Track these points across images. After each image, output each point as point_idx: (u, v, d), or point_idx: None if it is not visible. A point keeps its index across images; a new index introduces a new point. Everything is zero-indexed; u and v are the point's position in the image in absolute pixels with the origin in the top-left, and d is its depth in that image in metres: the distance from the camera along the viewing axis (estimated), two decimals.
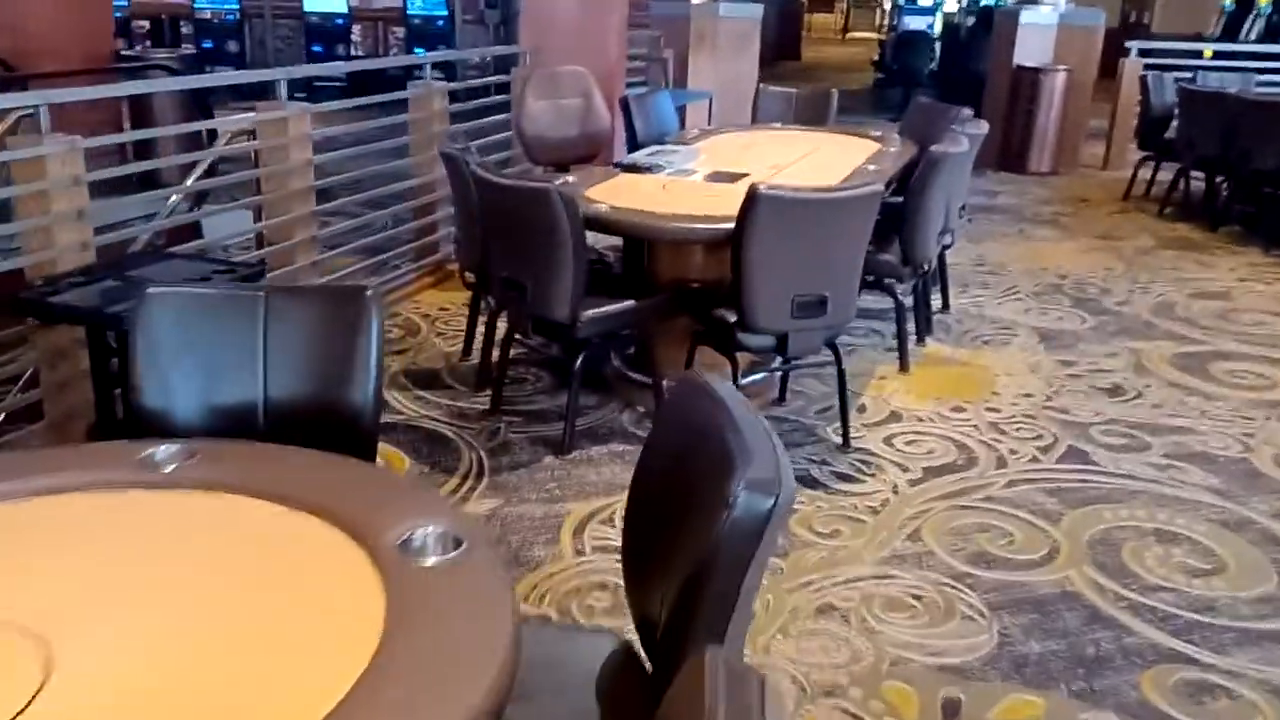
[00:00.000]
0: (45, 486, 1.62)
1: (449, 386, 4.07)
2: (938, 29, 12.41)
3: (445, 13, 12.90)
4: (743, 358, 3.61)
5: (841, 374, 3.63)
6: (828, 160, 4.66)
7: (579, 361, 3.52)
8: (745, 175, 4.26)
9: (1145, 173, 8.04)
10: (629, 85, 7.56)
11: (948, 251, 5.05)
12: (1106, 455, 3.64)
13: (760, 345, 3.48)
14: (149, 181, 5.01)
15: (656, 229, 3.53)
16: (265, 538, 1.54)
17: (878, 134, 5.40)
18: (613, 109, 5.55)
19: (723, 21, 8.69)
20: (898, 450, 3.64)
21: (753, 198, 3.18)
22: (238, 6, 12.31)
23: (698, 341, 3.72)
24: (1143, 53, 9.27)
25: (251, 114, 4.23)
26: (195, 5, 12.20)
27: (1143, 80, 8.12)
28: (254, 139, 4.35)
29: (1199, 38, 13.92)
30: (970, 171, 4.88)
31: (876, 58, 15.19)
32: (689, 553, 1.45)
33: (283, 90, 4.21)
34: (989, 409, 4.01)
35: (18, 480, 1.63)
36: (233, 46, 12.24)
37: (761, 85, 6.06)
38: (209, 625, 1.32)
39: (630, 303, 3.54)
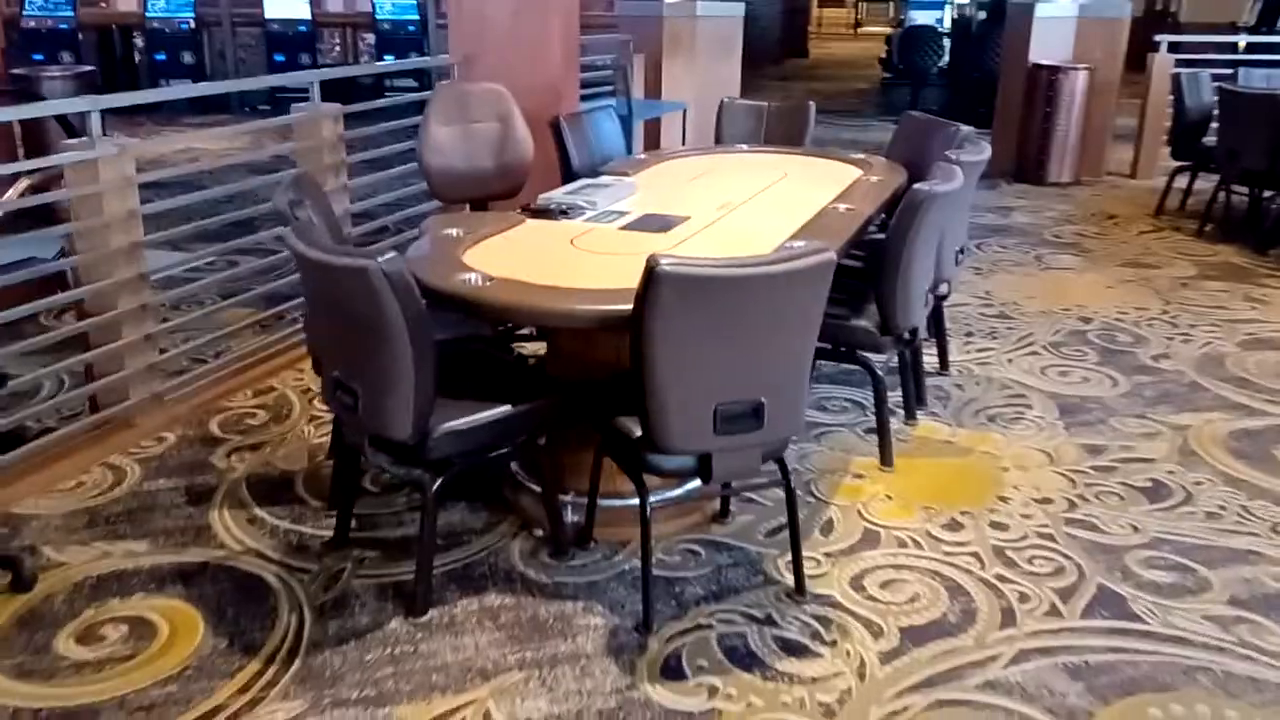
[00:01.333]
0: None
1: (299, 500, 3.19)
2: (947, 23, 11.43)
3: (416, 17, 12.04)
4: None
5: (791, 501, 2.71)
6: (792, 196, 3.76)
7: (435, 488, 2.62)
8: (684, 219, 3.38)
9: (1181, 181, 7.08)
10: (588, 98, 6.68)
11: (948, 298, 4.14)
12: (1150, 602, 2.71)
13: (675, 468, 2.58)
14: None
15: (531, 312, 2.62)
16: None
17: (860, 157, 4.48)
18: (543, 131, 4.65)
19: (701, 22, 7.78)
20: (869, 598, 2.72)
21: (651, 276, 2.28)
22: (192, 15, 11.47)
23: (604, 451, 2.83)
24: (1173, 47, 8.29)
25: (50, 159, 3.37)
26: (147, 15, 11.37)
27: (1175, 80, 7.14)
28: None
29: (1233, 28, 12.88)
30: (969, 206, 3.96)
31: (884, 55, 14.25)
32: None
33: (94, 124, 3.33)
34: (994, 523, 3.09)
35: None
36: (188, 59, 11.41)
37: (726, 99, 5.14)
38: None
39: (505, 408, 2.64)
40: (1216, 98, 6.74)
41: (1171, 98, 7.65)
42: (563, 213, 3.48)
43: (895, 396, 3.82)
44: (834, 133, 11.13)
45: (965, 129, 4.25)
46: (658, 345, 2.35)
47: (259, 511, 3.11)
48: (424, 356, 2.44)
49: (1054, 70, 8.02)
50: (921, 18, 11.57)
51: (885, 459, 3.45)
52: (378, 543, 2.94)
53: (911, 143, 4.62)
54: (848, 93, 15.24)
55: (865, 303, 3.40)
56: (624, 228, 3.33)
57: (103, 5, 12.00)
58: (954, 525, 3.08)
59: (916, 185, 3.15)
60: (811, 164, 4.47)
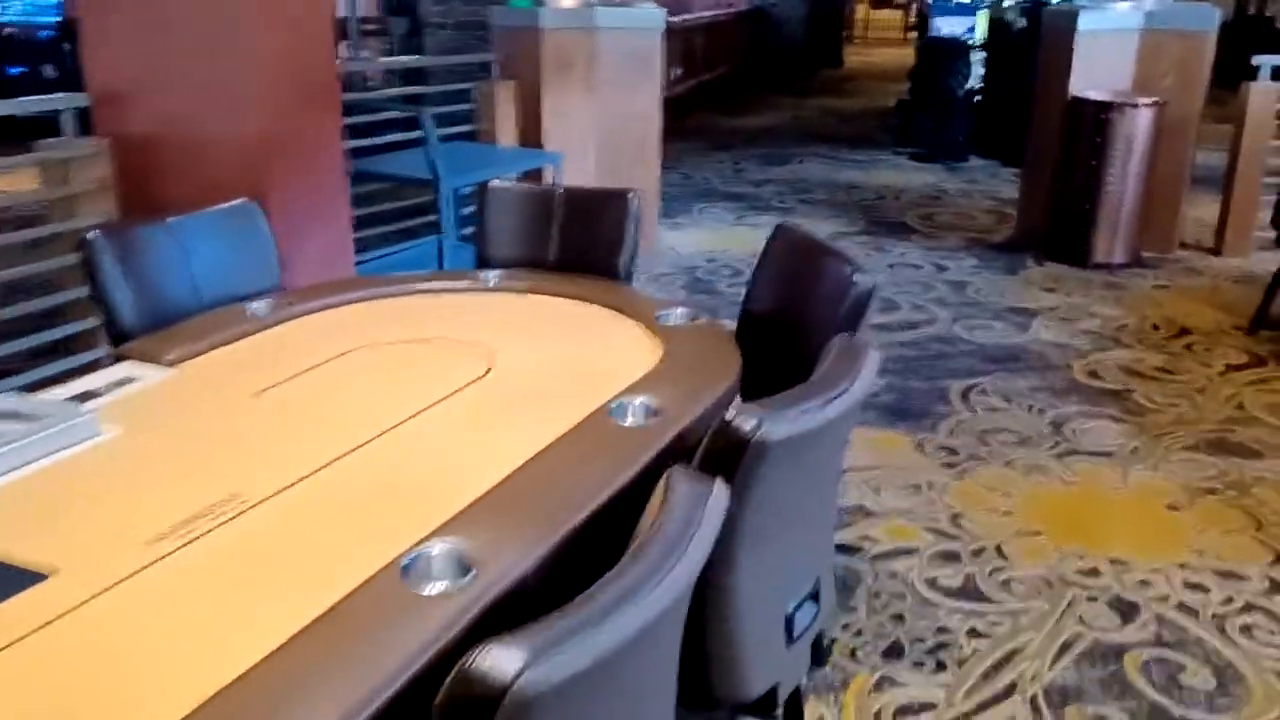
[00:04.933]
0: None
1: None
2: (979, 33, 9.10)
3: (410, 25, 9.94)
4: None
5: None
6: (414, 473, 1.57)
7: None
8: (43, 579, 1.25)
9: None
10: (395, 149, 4.55)
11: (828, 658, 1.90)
12: None
13: None
14: None
15: None
16: None
17: (671, 324, 2.26)
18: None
19: (603, 36, 5.55)
20: None
21: None
22: (56, 19, 9.53)
23: None
24: (1277, 73, 5.85)
25: None
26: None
27: None
28: None
29: None
30: (830, 519, 1.72)
31: (911, 69, 11.86)
32: None
33: None
34: None
35: None
36: (50, 71, 9.48)
37: (495, 184, 2.92)
38: None
39: None
40: None
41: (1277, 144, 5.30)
42: None
43: None
44: (832, 172, 8.83)
45: (865, 282, 2.04)
46: None
47: None
48: None
49: (1104, 106, 5.65)
50: (948, 27, 9.25)
51: None
52: None
53: (783, 283, 2.41)
54: (870, 113, 12.84)
55: None
56: None
57: None
58: None
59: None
60: (577, 331, 2.28)
